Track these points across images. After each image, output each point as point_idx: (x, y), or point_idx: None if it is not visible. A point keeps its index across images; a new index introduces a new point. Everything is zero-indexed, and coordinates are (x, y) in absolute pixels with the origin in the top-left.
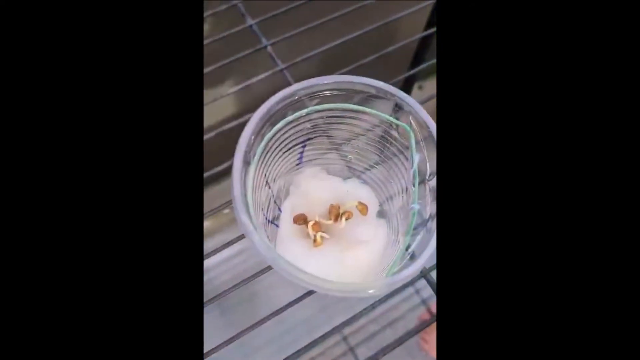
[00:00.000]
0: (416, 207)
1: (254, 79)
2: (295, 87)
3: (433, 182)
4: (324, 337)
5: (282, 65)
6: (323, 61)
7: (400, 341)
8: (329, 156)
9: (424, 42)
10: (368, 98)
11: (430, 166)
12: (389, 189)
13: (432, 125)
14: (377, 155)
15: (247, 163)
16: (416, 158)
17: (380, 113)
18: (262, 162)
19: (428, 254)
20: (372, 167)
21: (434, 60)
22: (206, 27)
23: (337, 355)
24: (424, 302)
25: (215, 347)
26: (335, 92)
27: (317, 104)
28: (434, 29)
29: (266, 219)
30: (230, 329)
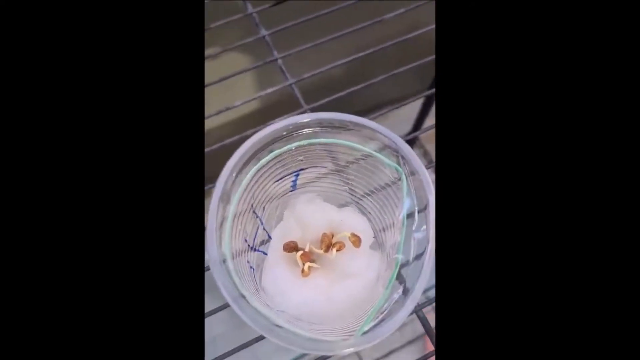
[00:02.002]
0: (400, 257)
1: (262, 93)
2: (281, 124)
3: (421, 234)
4: None
5: (291, 80)
6: (335, 77)
7: (408, 344)
8: (324, 182)
9: None
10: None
11: (419, 218)
12: (382, 220)
13: (424, 174)
14: (371, 184)
15: (224, 201)
16: (406, 204)
17: (374, 152)
18: (247, 193)
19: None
20: (367, 195)
21: None
22: (220, 35)
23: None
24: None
25: (225, 354)
26: (320, 129)
27: (304, 139)
28: None
29: (250, 247)
30: (240, 335)
